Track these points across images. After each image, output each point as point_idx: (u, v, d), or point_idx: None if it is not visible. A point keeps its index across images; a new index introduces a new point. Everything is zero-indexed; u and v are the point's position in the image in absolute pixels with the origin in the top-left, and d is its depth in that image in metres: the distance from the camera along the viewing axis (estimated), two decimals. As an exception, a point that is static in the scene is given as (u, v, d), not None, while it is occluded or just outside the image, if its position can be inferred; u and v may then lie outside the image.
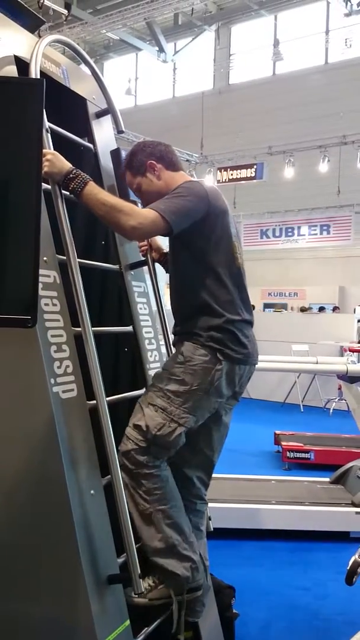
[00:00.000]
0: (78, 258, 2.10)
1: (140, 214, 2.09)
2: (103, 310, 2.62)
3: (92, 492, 2.03)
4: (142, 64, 21.25)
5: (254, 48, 18.85)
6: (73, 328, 2.11)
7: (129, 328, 2.63)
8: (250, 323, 2.35)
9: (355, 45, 16.67)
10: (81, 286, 2.06)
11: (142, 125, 16.24)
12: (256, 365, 2.42)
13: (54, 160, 2.03)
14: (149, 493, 2.17)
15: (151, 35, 18.74)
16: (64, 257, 2.08)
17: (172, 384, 2.21)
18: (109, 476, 2.03)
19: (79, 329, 2.06)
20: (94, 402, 2.05)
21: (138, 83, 21.38)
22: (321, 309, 14.88)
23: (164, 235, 2.20)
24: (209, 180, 15.98)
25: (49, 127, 2.16)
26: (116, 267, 2.60)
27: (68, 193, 2.10)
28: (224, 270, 2.28)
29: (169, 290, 2.46)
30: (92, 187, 2.08)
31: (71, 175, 2.05)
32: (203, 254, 2.26)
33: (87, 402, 2.12)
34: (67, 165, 2.07)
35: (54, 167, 2.03)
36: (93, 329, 2.07)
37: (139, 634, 2.18)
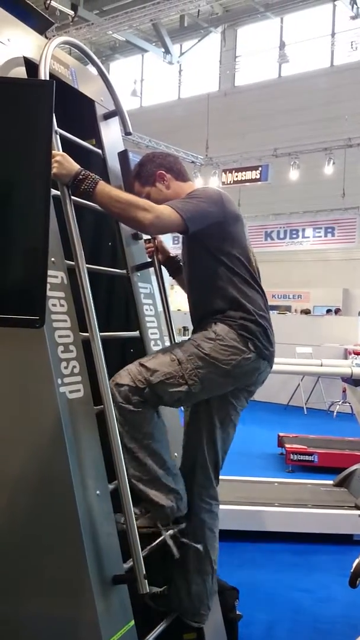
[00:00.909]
0: (85, 259, 2.11)
1: (157, 208, 2.12)
2: (110, 311, 2.63)
3: (97, 492, 2.03)
4: (148, 66, 21.30)
5: (259, 50, 18.86)
6: (81, 333, 2.12)
7: (136, 333, 2.63)
8: (271, 322, 2.39)
9: (361, 48, 16.68)
10: (89, 292, 2.07)
11: (148, 127, 16.24)
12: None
13: (62, 161, 2.04)
14: (134, 427, 2.21)
15: (157, 36, 18.77)
16: (72, 263, 2.09)
17: (195, 351, 2.24)
18: (116, 481, 2.04)
19: (87, 334, 2.07)
20: (101, 406, 2.06)
21: (144, 84, 21.42)
22: (328, 312, 14.85)
23: (180, 232, 2.23)
24: (214, 183, 15.99)
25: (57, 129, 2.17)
26: (123, 271, 2.59)
27: (77, 196, 2.11)
28: (244, 270, 2.33)
29: (186, 290, 2.50)
30: (103, 186, 2.09)
31: (80, 177, 2.06)
32: (222, 255, 2.31)
33: (95, 407, 2.13)
34: (75, 166, 2.08)
35: (63, 168, 2.04)
36: (101, 334, 2.08)
37: (145, 638, 2.19)
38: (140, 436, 2.22)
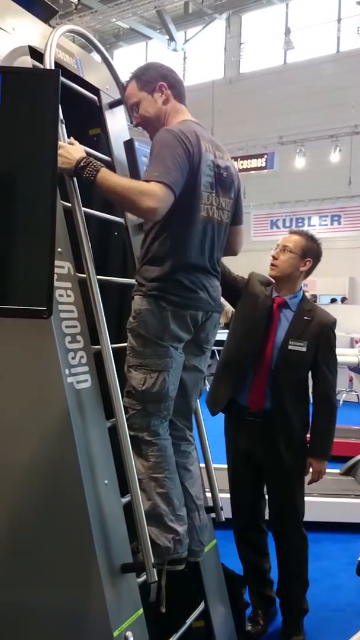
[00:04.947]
0: (93, 252, 2.12)
1: (156, 191, 2.01)
2: (121, 320, 2.60)
3: (106, 481, 2.04)
4: (152, 53, 21.14)
5: (265, 37, 18.72)
6: (93, 347, 2.13)
7: None
8: (204, 271, 2.29)
9: (367, 34, 16.51)
10: (101, 304, 2.08)
11: (152, 115, 16.16)
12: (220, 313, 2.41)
13: (62, 153, 2.01)
14: (146, 459, 2.19)
15: (161, 23, 18.67)
16: (84, 275, 2.10)
17: (136, 340, 2.22)
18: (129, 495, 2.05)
19: (98, 346, 2.08)
20: (114, 420, 2.07)
21: (148, 72, 21.30)
22: (333, 301, 14.84)
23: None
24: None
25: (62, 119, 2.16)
26: (133, 281, 2.57)
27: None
28: (178, 221, 2.20)
29: None
30: (104, 174, 2.04)
31: (82, 164, 2.03)
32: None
33: (107, 420, 2.14)
34: (77, 154, 2.05)
35: (65, 159, 2.01)
36: (113, 345, 2.09)
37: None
38: (152, 468, 2.19)
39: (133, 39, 20.75)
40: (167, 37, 18.99)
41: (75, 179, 2.11)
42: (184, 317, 2.24)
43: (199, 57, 20.25)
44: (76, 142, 2.13)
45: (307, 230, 3.20)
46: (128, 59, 21.13)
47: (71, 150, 2.06)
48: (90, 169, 2.03)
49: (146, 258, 2.25)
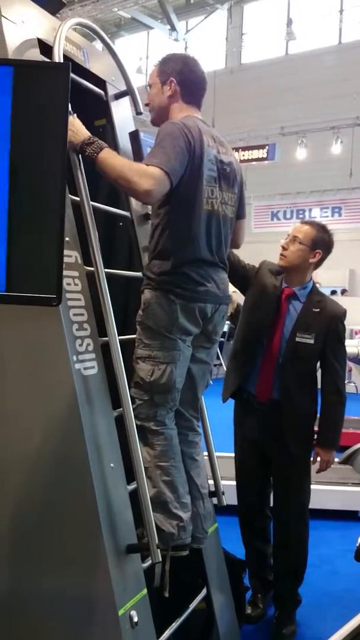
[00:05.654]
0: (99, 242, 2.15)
1: (152, 173, 2.05)
2: (126, 312, 2.65)
3: (111, 465, 2.09)
4: (154, 43, 21.04)
5: (266, 27, 18.61)
6: (100, 338, 2.17)
7: None
8: (213, 264, 2.34)
9: (369, 25, 16.43)
10: (108, 297, 2.12)
11: (154, 105, 16.08)
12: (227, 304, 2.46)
13: (71, 127, 2.04)
14: (152, 448, 2.25)
15: (163, 13, 18.53)
16: (92, 269, 2.15)
17: (144, 332, 2.28)
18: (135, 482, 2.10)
19: (106, 338, 2.13)
20: (120, 409, 2.11)
21: (149, 62, 21.19)
22: (333, 293, 14.85)
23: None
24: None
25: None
26: (139, 274, 2.54)
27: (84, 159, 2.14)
28: (183, 215, 2.26)
29: None
30: (107, 152, 2.09)
31: (89, 141, 2.09)
32: (167, 199, 2.22)
33: (114, 410, 2.18)
34: (85, 132, 2.11)
35: (72, 135, 2.06)
36: (120, 337, 2.13)
37: (167, 629, 2.30)
38: (157, 456, 2.24)
39: (134, 28, 20.63)
40: (169, 27, 18.86)
41: (83, 173, 2.15)
42: (193, 311, 2.28)
43: (200, 48, 20.09)
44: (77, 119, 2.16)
45: (318, 221, 3.17)
46: (129, 49, 21.04)
47: (79, 127, 2.12)
48: (95, 147, 2.09)
49: (155, 252, 2.30)
